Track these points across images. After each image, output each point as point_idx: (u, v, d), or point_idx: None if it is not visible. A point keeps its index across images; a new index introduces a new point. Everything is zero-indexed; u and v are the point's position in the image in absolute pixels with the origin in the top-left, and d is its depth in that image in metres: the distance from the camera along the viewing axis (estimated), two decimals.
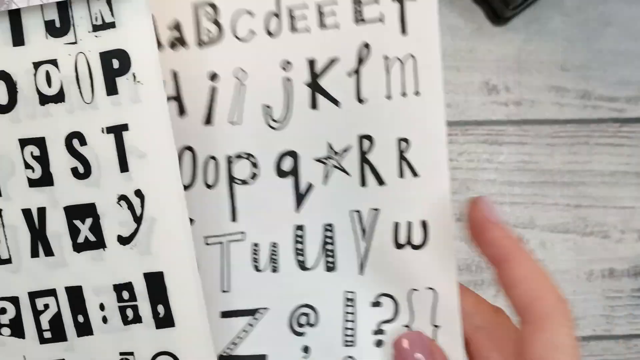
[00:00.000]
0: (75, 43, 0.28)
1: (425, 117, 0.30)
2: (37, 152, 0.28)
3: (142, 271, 0.29)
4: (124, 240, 0.29)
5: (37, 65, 0.28)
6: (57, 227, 0.29)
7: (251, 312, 0.31)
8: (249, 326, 0.31)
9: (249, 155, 0.30)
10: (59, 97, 0.28)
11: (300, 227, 0.31)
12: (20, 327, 0.30)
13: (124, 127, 0.28)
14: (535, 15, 0.49)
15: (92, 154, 0.28)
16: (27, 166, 0.29)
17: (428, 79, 0.30)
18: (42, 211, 0.29)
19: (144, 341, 0.29)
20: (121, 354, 0.30)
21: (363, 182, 0.30)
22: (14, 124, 0.28)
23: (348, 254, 0.31)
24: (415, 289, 0.31)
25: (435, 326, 0.31)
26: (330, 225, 0.31)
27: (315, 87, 0.30)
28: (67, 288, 0.29)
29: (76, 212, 0.29)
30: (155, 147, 0.28)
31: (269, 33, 0.29)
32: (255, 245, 0.31)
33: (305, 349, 0.31)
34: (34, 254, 0.29)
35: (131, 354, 0.30)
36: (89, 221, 0.29)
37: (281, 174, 0.30)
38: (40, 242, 0.29)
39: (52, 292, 0.29)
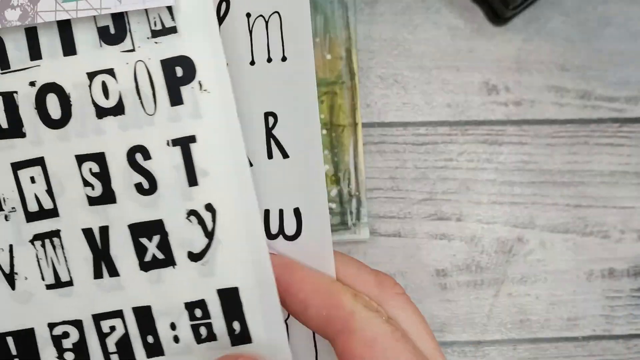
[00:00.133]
0: (133, 51, 0.26)
1: (293, 87, 0.27)
2: (96, 169, 0.27)
3: (215, 287, 0.27)
4: (194, 257, 0.27)
5: (91, 75, 0.26)
6: (121, 246, 0.27)
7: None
8: None
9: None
10: (118, 110, 0.26)
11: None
12: (85, 351, 0.28)
13: (191, 138, 0.26)
14: (535, 15, 0.49)
15: (158, 169, 0.27)
16: (86, 184, 0.27)
17: (295, 42, 0.26)
18: (104, 230, 0.27)
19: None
20: None
21: None
22: (69, 139, 0.27)
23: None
24: None
25: None
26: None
27: None
28: (135, 309, 0.28)
29: (142, 230, 0.27)
30: (226, 159, 0.26)
31: None
32: None
33: None
34: (97, 275, 0.27)
35: None
36: (156, 238, 0.27)
37: None
38: (103, 262, 0.27)
39: (118, 314, 0.28)
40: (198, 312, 0.27)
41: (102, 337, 0.28)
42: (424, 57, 0.48)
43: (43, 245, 0.27)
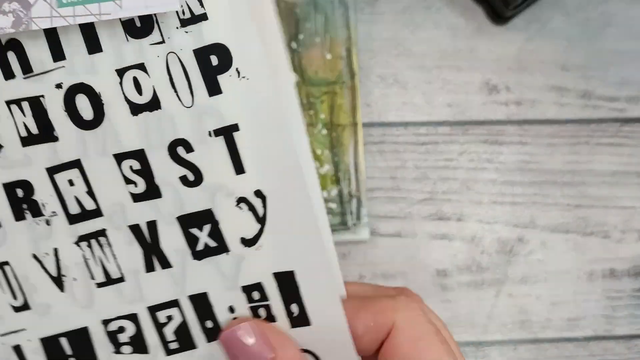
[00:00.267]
0: (162, 42, 0.25)
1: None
2: (137, 166, 0.26)
3: (271, 271, 0.27)
4: (248, 242, 0.27)
5: (121, 72, 0.25)
6: (172, 239, 0.27)
7: None
8: None
9: None
10: (154, 104, 0.26)
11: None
12: (143, 342, 0.28)
13: (234, 127, 0.26)
14: (536, 14, 0.49)
15: (202, 160, 0.26)
16: (128, 181, 0.26)
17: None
18: (152, 225, 0.27)
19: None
20: None
21: None
22: (104, 139, 0.26)
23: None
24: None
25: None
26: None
27: None
28: (191, 296, 0.27)
29: (192, 221, 0.27)
30: (272, 144, 0.26)
31: None
32: None
33: None
34: (149, 268, 0.27)
35: None
36: (207, 228, 0.27)
37: None
38: (155, 256, 0.27)
39: (174, 303, 0.28)
40: (256, 295, 0.27)
41: (160, 327, 0.28)
42: (424, 57, 0.48)
43: (89, 246, 0.27)
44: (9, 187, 0.27)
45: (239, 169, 0.26)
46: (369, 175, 0.47)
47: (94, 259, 0.27)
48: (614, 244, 0.48)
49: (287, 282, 0.27)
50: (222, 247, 0.27)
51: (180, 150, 0.26)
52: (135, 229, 0.27)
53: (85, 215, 0.27)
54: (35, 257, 0.27)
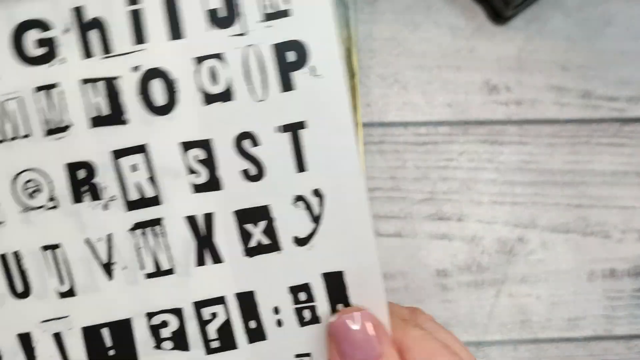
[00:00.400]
0: (243, 35, 0.25)
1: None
2: (202, 156, 0.26)
3: (320, 272, 0.27)
4: (300, 242, 0.27)
5: (199, 60, 0.26)
6: (226, 233, 0.27)
7: None
8: None
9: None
10: (227, 96, 0.26)
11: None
12: (184, 339, 0.28)
13: (301, 124, 0.26)
14: (536, 14, 0.49)
15: (266, 155, 0.26)
16: (191, 171, 0.26)
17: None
18: (208, 217, 0.27)
19: (322, 342, 0.27)
20: (297, 356, 0.28)
21: None
22: (174, 126, 0.26)
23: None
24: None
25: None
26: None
27: None
28: (238, 294, 0.27)
29: (248, 216, 0.27)
30: (335, 144, 0.26)
31: None
32: None
33: None
34: (200, 262, 0.27)
35: (308, 355, 0.28)
36: (262, 224, 0.27)
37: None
38: (207, 249, 0.27)
39: (220, 300, 0.27)
40: (302, 296, 0.27)
41: (203, 324, 0.28)
42: (424, 57, 0.48)
43: (144, 234, 0.27)
44: (72, 168, 0.27)
45: (301, 166, 0.26)
46: (369, 175, 0.47)
47: (147, 248, 0.27)
48: (614, 244, 0.48)
49: (335, 282, 0.27)
50: (274, 245, 0.27)
51: (246, 144, 0.26)
52: (191, 220, 0.27)
53: (144, 202, 0.27)
54: (87, 241, 0.27)
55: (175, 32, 0.25)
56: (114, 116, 0.26)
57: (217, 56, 0.26)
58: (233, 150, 0.26)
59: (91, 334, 0.28)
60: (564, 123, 0.48)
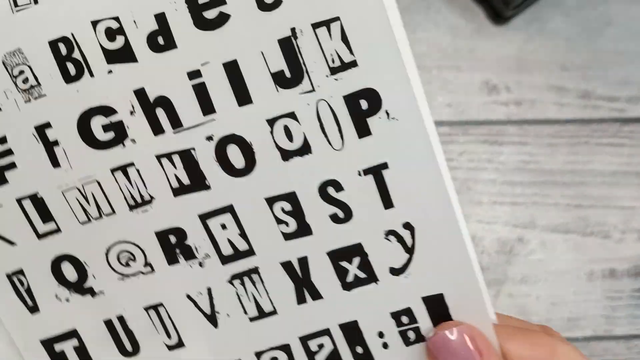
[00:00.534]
0: (312, 91, 0.25)
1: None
2: (288, 207, 0.27)
3: (420, 296, 0.27)
4: (396, 271, 0.27)
5: (272, 121, 0.26)
6: (322, 272, 0.27)
7: None
8: None
9: None
10: (304, 150, 0.26)
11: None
12: None
13: (383, 165, 0.26)
14: (536, 14, 0.49)
15: (351, 198, 0.26)
16: (280, 222, 0.27)
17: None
18: (303, 260, 0.27)
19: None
20: None
21: None
22: (256, 185, 0.26)
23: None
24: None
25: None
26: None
27: None
28: (341, 325, 0.28)
29: (341, 255, 0.27)
30: (421, 178, 0.26)
31: None
32: None
33: None
34: (301, 300, 0.28)
35: None
36: (356, 260, 0.27)
37: None
38: (305, 289, 0.28)
39: (325, 332, 0.28)
40: (405, 319, 0.28)
41: (311, 355, 0.28)
42: (424, 57, 0.48)
43: (242, 283, 0.28)
44: (162, 234, 0.27)
45: (388, 203, 0.26)
46: None
47: (247, 295, 0.28)
48: (614, 244, 0.48)
49: (436, 304, 0.27)
50: (371, 278, 0.27)
51: (331, 190, 0.27)
52: (287, 265, 0.28)
53: (238, 255, 0.28)
54: (189, 297, 0.28)
55: (244, 98, 0.26)
56: (196, 183, 0.27)
57: (290, 115, 0.26)
58: (318, 198, 0.27)
59: None
60: (563, 123, 0.48)
